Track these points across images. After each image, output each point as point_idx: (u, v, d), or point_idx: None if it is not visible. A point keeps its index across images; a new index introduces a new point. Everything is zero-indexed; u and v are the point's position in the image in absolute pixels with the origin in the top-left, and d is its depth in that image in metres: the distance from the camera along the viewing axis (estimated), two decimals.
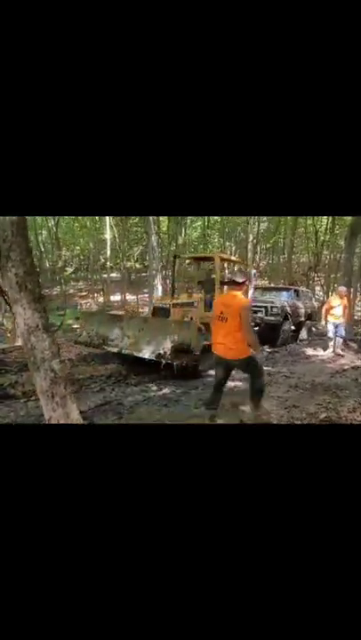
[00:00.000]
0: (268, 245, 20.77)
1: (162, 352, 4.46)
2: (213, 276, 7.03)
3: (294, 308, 8.49)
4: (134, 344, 4.92)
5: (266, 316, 7.76)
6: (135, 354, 4.82)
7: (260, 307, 7.81)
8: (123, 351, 4.94)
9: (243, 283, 3.00)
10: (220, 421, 3.04)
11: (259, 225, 20.54)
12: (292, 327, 8.43)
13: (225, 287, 7.15)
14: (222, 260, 6.73)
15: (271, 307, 7.76)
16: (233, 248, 24.19)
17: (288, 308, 8.11)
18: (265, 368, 5.79)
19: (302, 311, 9.01)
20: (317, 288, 16.58)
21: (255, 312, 7.77)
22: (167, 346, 4.51)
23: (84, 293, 20.45)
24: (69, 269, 19.72)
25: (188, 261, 9.51)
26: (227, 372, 3.04)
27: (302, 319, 9.03)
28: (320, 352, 7.21)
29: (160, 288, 13.50)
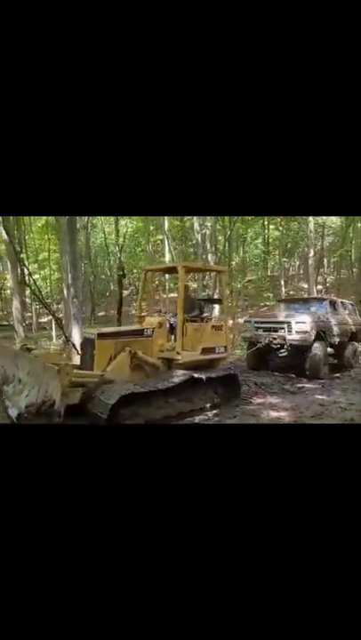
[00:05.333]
0: (334, 259, 19.37)
1: (22, 411, 3.12)
2: (193, 295, 5.66)
3: (331, 325, 6.73)
4: (19, 392, 3.52)
5: (289, 334, 6.14)
6: (9, 410, 3.49)
7: (281, 323, 6.31)
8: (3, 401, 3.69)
9: None
10: None
11: (323, 239, 19.36)
12: (329, 349, 6.74)
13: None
14: (189, 270, 5.13)
15: (297, 322, 6.16)
16: (297, 264, 23.10)
17: (321, 325, 6.43)
18: (318, 397, 5.23)
19: (342, 328, 7.06)
20: None
21: (274, 330, 6.28)
22: (32, 401, 3.14)
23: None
24: (125, 292, 20.76)
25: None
26: None
27: (343, 339, 7.06)
28: None
29: (217, 307, 13.48)
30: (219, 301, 5.98)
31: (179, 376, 4.01)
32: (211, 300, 6.51)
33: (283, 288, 16.18)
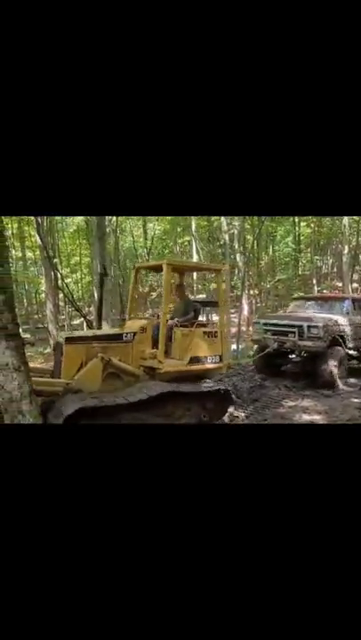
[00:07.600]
0: None
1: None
2: (192, 297, 4.84)
3: (352, 327, 6.00)
4: None
5: (301, 340, 5.45)
6: None
7: (292, 326, 5.60)
8: None
9: None
10: None
11: (358, 234, 18.48)
12: (352, 352, 6.08)
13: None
14: (176, 268, 4.38)
15: (309, 326, 5.45)
16: (330, 262, 22.22)
17: (340, 328, 5.70)
18: (354, 400, 4.94)
19: None
20: None
21: (285, 334, 5.63)
22: None
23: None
24: (153, 294, 20.94)
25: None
26: None
27: None
28: None
29: (246, 307, 13.22)
30: (216, 304, 5.06)
31: (153, 388, 3.44)
32: (209, 303, 5.73)
33: (315, 287, 15.60)
